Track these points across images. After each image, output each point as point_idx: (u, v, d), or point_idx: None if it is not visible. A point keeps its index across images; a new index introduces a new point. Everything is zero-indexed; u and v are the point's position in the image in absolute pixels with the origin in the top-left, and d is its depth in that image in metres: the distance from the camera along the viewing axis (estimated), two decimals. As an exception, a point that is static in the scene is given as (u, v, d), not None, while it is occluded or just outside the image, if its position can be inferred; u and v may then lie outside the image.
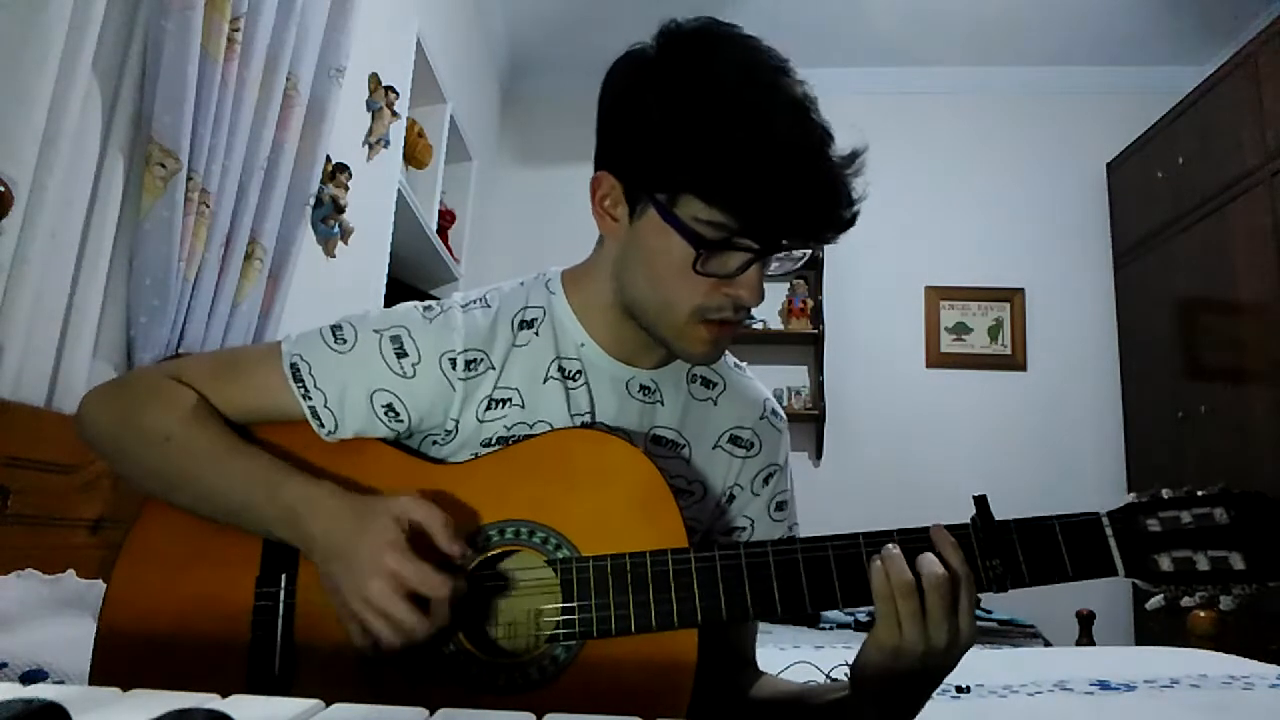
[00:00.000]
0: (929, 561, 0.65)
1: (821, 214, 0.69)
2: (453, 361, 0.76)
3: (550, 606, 0.69)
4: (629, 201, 0.74)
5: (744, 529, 0.87)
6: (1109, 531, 0.67)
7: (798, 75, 0.70)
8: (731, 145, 0.66)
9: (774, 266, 0.73)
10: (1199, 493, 0.68)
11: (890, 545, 0.66)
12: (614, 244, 0.78)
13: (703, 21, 0.73)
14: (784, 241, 0.70)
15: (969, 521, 0.69)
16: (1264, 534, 0.65)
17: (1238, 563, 0.65)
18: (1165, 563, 0.66)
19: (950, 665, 0.68)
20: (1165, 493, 0.68)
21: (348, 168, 2.16)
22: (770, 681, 0.89)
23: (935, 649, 0.64)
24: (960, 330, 3.68)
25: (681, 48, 0.72)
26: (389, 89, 2.43)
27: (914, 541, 0.68)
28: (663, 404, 0.83)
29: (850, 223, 0.71)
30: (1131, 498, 0.69)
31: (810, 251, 0.74)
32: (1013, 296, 3.66)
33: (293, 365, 0.76)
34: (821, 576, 0.68)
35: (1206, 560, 0.66)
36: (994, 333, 3.66)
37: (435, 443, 0.78)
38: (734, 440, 0.87)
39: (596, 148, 0.78)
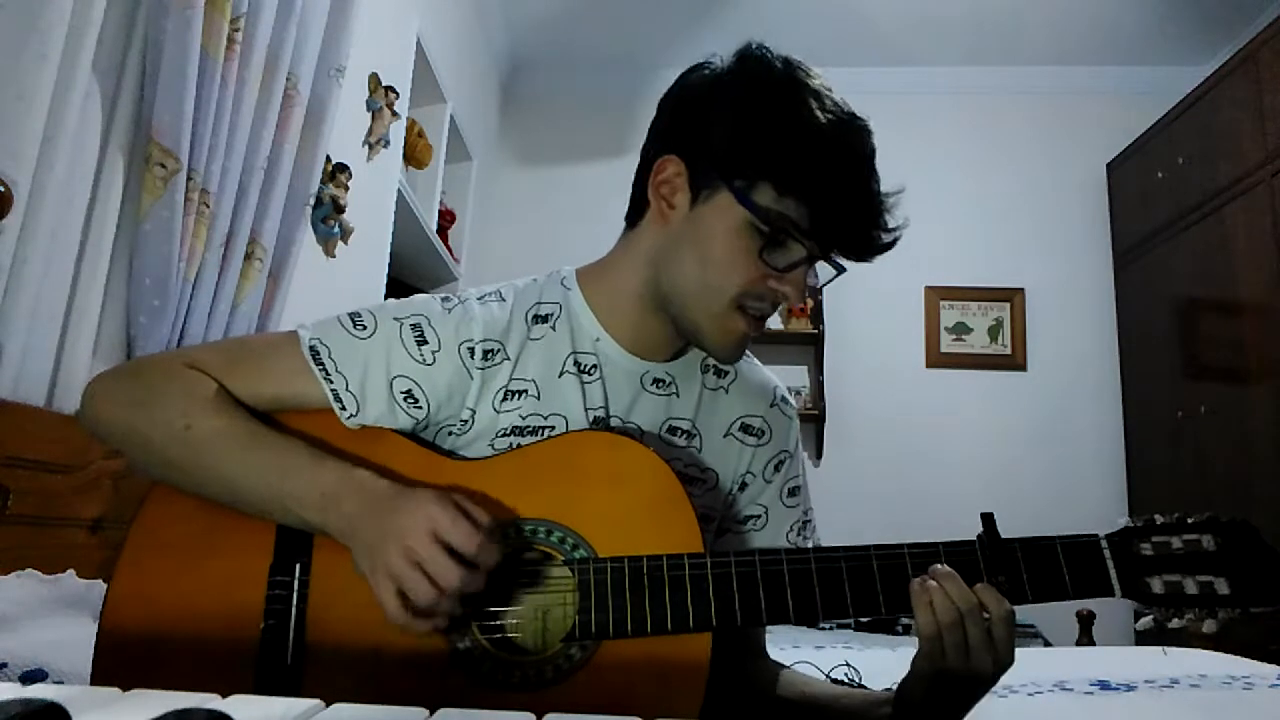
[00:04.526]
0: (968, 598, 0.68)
1: (874, 229, 0.75)
2: (471, 350, 0.77)
3: (567, 606, 0.69)
4: (694, 187, 0.77)
5: (758, 516, 0.89)
6: (1107, 554, 0.70)
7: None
8: (817, 142, 0.72)
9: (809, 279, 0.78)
10: (1189, 519, 0.71)
11: (930, 581, 0.68)
12: (657, 231, 0.80)
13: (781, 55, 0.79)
14: (834, 250, 0.76)
15: (976, 538, 0.71)
16: (1248, 561, 0.69)
17: (1223, 588, 0.69)
18: (1157, 585, 0.70)
19: (992, 682, 0.70)
20: (1158, 518, 0.72)
21: (348, 168, 2.16)
22: (793, 679, 0.88)
23: (980, 673, 0.68)
24: (960, 330, 3.68)
25: (768, 62, 0.77)
26: (389, 89, 2.43)
27: (924, 558, 0.70)
28: (678, 395, 0.85)
29: (888, 247, 0.77)
30: (1126, 522, 0.73)
31: (840, 271, 0.80)
32: (1013, 296, 3.66)
33: (313, 349, 0.76)
34: (834, 587, 0.69)
35: (1194, 584, 0.69)
36: (994, 333, 3.66)
37: (451, 433, 0.79)
38: (745, 428, 0.88)
39: (660, 133, 0.81)
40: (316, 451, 0.72)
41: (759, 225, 0.73)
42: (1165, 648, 1.65)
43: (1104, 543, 0.70)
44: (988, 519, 0.71)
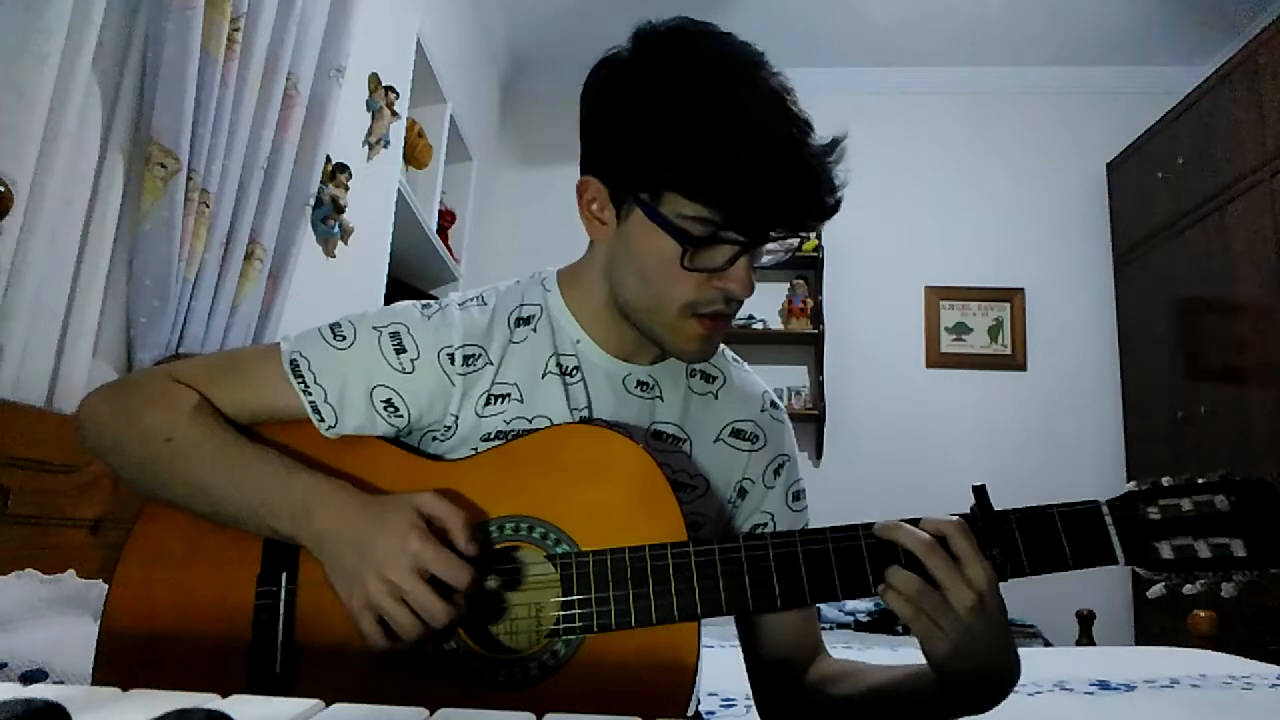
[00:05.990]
0: (917, 537, 0.66)
1: (804, 202, 0.69)
2: (451, 357, 0.77)
3: (551, 601, 0.69)
4: (615, 204, 0.75)
5: (765, 524, 0.87)
6: (1109, 520, 0.67)
7: (773, 68, 0.71)
8: (708, 139, 0.67)
9: (766, 259, 0.74)
10: (1199, 480, 0.68)
11: (893, 567, 0.66)
12: (603, 247, 0.79)
13: (677, 21, 0.74)
14: (770, 232, 0.71)
15: (968, 511, 0.69)
16: (1265, 521, 0.65)
17: (1239, 550, 0.65)
18: (1166, 550, 0.66)
19: (997, 608, 0.66)
20: (1165, 481, 0.68)
21: (348, 168, 2.16)
22: (848, 671, 0.84)
23: (963, 615, 0.64)
24: (960, 330, 3.68)
25: (656, 48, 0.73)
26: (389, 89, 2.43)
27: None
28: (662, 399, 0.84)
29: (834, 209, 0.71)
30: (1131, 486, 0.69)
31: (801, 239, 0.73)
32: (1013, 296, 3.66)
33: (292, 362, 0.76)
34: (821, 568, 0.68)
35: (1207, 547, 0.66)
36: (994, 333, 3.66)
37: (435, 439, 0.78)
38: (736, 434, 0.87)
39: (581, 153, 0.78)
40: (291, 462, 0.72)
41: (675, 238, 0.69)
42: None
43: (1105, 509, 0.67)
44: (980, 491, 0.69)
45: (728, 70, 0.69)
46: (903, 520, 0.68)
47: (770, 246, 0.73)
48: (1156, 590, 0.68)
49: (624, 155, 0.72)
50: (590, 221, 0.78)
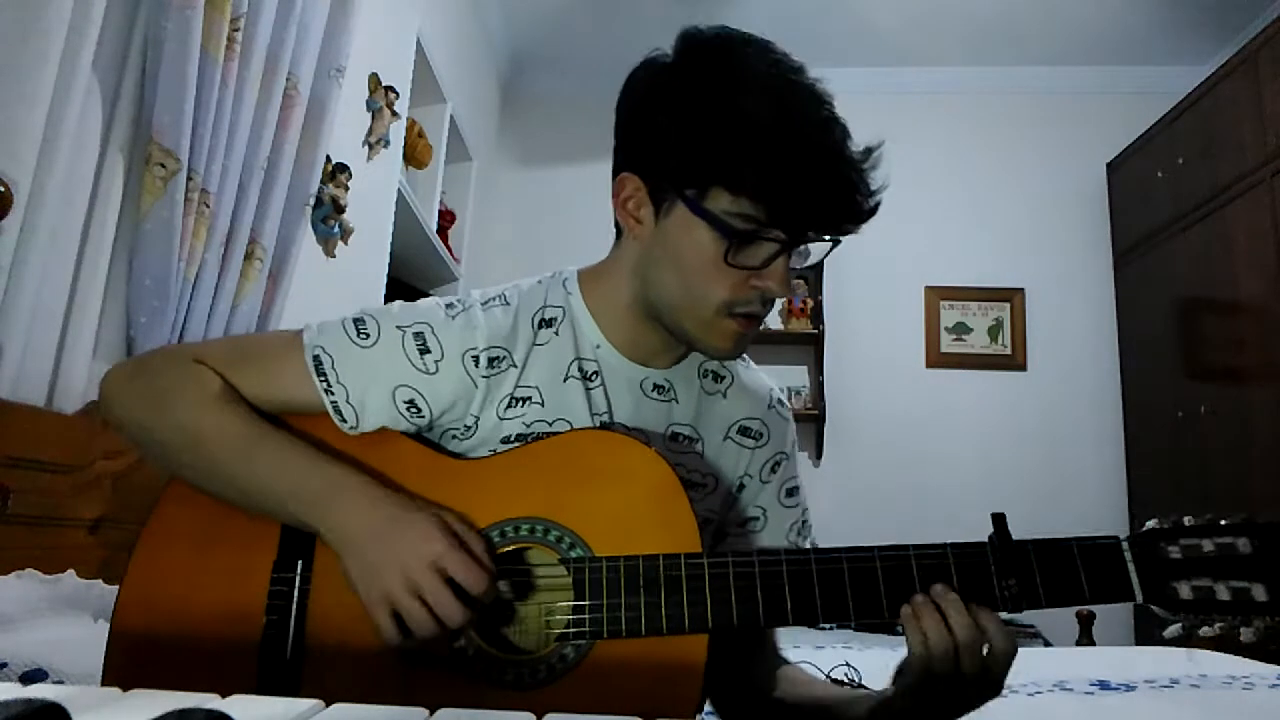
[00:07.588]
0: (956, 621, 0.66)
1: (845, 202, 0.71)
2: (475, 359, 0.77)
3: (562, 605, 0.69)
4: (654, 201, 0.76)
5: (756, 519, 0.88)
6: (1128, 556, 0.66)
7: (814, 76, 0.73)
8: (757, 135, 0.68)
9: (793, 260, 0.75)
10: (1221, 521, 0.66)
11: (924, 602, 0.66)
12: (636, 245, 0.79)
13: (721, 28, 0.76)
14: (809, 232, 0.72)
15: (986, 540, 0.69)
16: None
17: (1260, 594, 0.64)
18: (1185, 591, 0.65)
19: (977, 705, 0.68)
20: (1187, 520, 0.67)
21: (348, 168, 2.16)
22: (796, 678, 0.87)
23: (965, 700, 0.67)
24: (960, 330, 3.68)
25: (703, 50, 0.74)
26: (389, 89, 2.43)
27: (930, 560, 0.68)
28: (677, 401, 0.85)
29: (872, 212, 0.73)
30: (1153, 523, 0.68)
31: (834, 244, 0.75)
32: (1013, 296, 3.66)
33: (315, 358, 0.76)
34: (835, 589, 0.68)
35: (1227, 590, 0.64)
36: (994, 333, 3.66)
37: (455, 437, 0.79)
38: (743, 431, 0.88)
39: (616, 151, 0.79)
40: (318, 453, 0.73)
41: (720, 233, 0.71)
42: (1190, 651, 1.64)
43: (1125, 545, 0.66)
44: (999, 520, 0.68)
45: (775, 72, 0.72)
46: (925, 546, 0.68)
47: (810, 247, 0.75)
48: (1173, 630, 0.67)
49: (672, 151, 0.72)
50: (626, 220, 0.78)
